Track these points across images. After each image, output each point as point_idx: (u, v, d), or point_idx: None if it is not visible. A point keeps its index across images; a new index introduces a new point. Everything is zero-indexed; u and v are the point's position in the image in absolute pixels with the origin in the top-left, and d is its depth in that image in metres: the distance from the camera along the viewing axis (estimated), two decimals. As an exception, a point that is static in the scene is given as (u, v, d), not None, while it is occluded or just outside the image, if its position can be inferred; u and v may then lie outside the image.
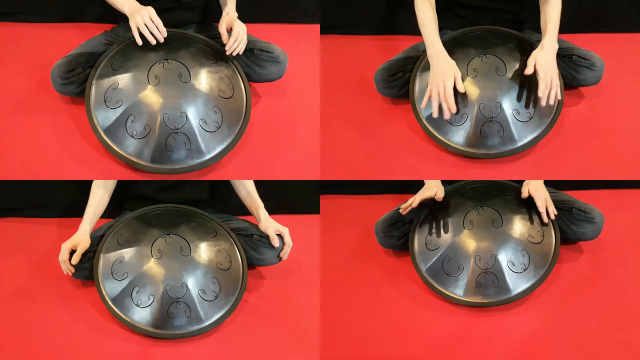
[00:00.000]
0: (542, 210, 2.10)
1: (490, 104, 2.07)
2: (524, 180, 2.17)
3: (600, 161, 2.11)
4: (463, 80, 2.07)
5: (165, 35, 2.01)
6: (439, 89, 2.01)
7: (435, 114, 2.03)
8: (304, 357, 1.95)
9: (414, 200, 2.16)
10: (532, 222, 2.12)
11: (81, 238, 2.04)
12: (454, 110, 2.01)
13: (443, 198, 2.18)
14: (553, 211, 2.11)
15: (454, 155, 2.11)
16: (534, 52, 2.03)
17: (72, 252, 2.02)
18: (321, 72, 2.34)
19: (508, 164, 2.10)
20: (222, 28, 2.08)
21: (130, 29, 2.00)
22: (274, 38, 2.24)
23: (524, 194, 2.13)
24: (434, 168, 2.11)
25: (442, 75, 2.01)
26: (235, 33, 2.07)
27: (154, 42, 2.00)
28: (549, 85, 1.99)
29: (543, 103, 2.00)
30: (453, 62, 2.04)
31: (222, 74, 2.07)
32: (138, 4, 2.03)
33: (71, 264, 2.02)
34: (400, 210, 2.18)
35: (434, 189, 2.16)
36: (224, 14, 2.13)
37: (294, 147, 2.15)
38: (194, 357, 1.95)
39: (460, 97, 2.05)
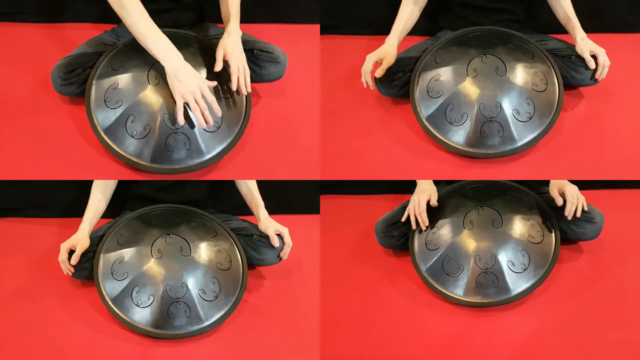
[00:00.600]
0: (570, 208, 2.08)
1: (490, 104, 2.07)
2: (529, 182, 2.17)
3: (600, 161, 2.12)
4: (463, 80, 2.08)
5: (220, 114, 1.89)
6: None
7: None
8: (304, 357, 1.95)
9: (420, 215, 2.16)
10: (532, 222, 2.12)
11: (80, 238, 2.04)
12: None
13: (443, 198, 2.18)
14: (579, 207, 2.10)
15: (454, 155, 2.12)
16: (579, 46, 2.12)
17: (71, 252, 2.02)
18: (321, 72, 2.34)
19: (508, 164, 2.10)
20: (219, 54, 1.98)
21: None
22: (274, 38, 2.24)
23: (558, 200, 2.10)
24: (434, 168, 2.11)
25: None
26: (234, 69, 1.97)
27: (204, 125, 1.87)
28: (605, 64, 2.11)
29: (600, 75, 2.12)
30: (393, 50, 2.13)
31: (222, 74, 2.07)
32: (184, 62, 1.86)
33: (70, 264, 2.02)
34: (420, 223, 2.18)
35: (428, 192, 2.17)
36: (225, 32, 2.03)
37: (294, 147, 2.15)
38: (194, 357, 1.95)
39: (463, 97, 2.06)
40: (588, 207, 2.17)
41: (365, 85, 2.12)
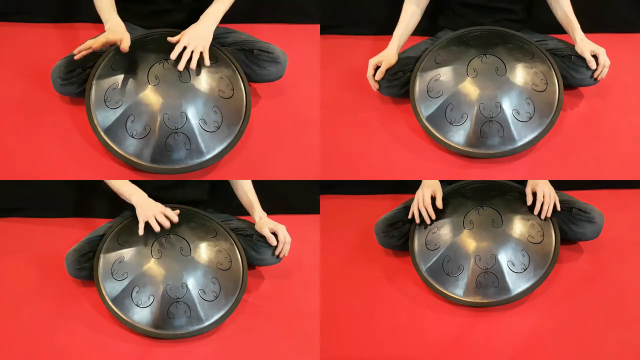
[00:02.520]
0: (537, 205, 2.11)
1: (490, 104, 2.07)
2: (525, 181, 2.17)
3: (600, 161, 2.12)
4: (463, 80, 2.08)
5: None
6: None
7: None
8: (304, 357, 1.95)
9: (426, 203, 2.16)
10: (532, 222, 2.12)
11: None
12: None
13: (443, 198, 2.18)
14: (551, 206, 2.11)
15: (454, 155, 2.11)
16: (579, 46, 2.12)
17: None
18: (321, 72, 2.34)
19: (508, 164, 2.10)
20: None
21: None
22: (274, 38, 2.24)
23: (528, 199, 2.13)
24: (434, 168, 2.11)
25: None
26: (179, 45, 1.99)
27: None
28: (606, 64, 2.12)
29: (600, 75, 2.13)
30: (393, 52, 2.15)
31: (222, 74, 2.07)
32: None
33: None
34: (424, 217, 2.18)
35: (432, 187, 2.17)
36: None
37: (294, 147, 2.15)
38: (194, 357, 1.95)
39: (463, 97, 2.07)
40: (588, 207, 2.17)
41: (375, 89, 2.19)
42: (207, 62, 2.01)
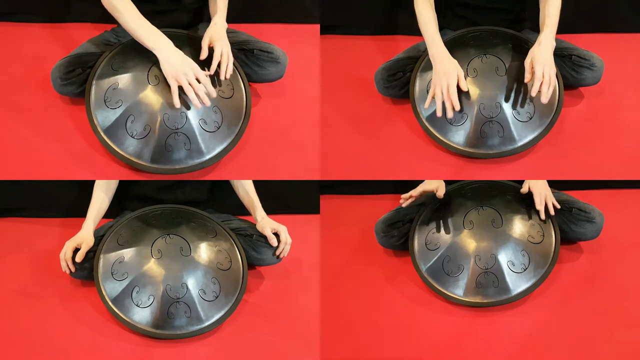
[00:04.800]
0: (539, 207, 2.10)
1: (490, 104, 2.07)
2: (524, 181, 2.17)
3: (600, 161, 2.12)
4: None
5: (214, 95, 1.95)
6: (442, 88, 2.01)
7: (440, 113, 2.03)
8: (304, 357, 1.95)
9: (415, 190, 2.15)
10: (532, 222, 2.12)
11: (85, 237, 2.04)
12: (458, 107, 2.01)
13: (443, 197, 2.18)
14: (552, 207, 2.11)
15: (454, 155, 2.12)
16: (531, 50, 2.02)
17: (76, 250, 2.02)
18: (321, 72, 2.34)
19: (508, 164, 2.10)
20: (205, 42, 2.01)
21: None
22: (274, 38, 2.24)
23: (524, 189, 2.13)
24: (434, 168, 2.11)
25: (446, 75, 2.02)
26: (217, 54, 1.99)
27: (199, 105, 1.93)
28: (543, 80, 1.95)
29: (544, 100, 1.96)
30: (455, 62, 2.04)
31: (222, 74, 2.07)
32: (176, 50, 1.93)
33: (73, 263, 2.02)
34: (400, 201, 2.17)
35: (434, 184, 2.16)
36: (211, 23, 2.06)
37: (294, 147, 2.15)
38: (194, 357, 1.95)
39: (463, 96, 2.05)
40: (588, 207, 2.17)
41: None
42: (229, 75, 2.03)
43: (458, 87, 2.02)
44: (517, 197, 2.17)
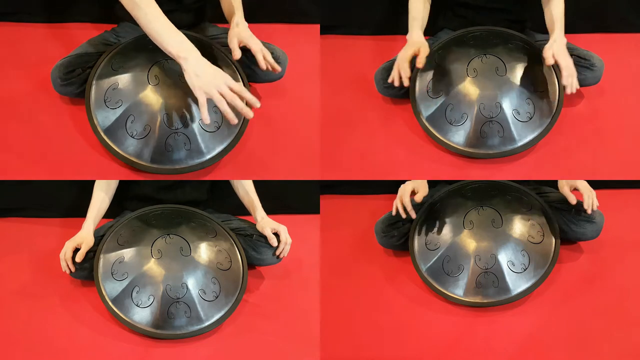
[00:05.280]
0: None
1: (490, 104, 2.07)
2: (525, 181, 2.17)
3: (600, 161, 2.12)
4: (463, 80, 2.08)
5: (258, 105, 1.79)
6: (399, 58, 2.07)
7: (391, 80, 2.09)
8: (304, 357, 1.95)
9: (405, 203, 2.14)
10: (532, 222, 2.12)
11: (85, 237, 2.04)
12: (406, 78, 2.04)
13: (443, 198, 2.19)
14: (594, 197, 2.11)
15: (454, 155, 2.12)
16: (547, 46, 2.03)
17: (76, 250, 2.02)
18: (321, 72, 2.34)
19: (508, 164, 2.10)
20: (234, 43, 2.00)
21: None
22: (274, 38, 2.24)
23: (571, 198, 2.11)
24: (434, 168, 2.11)
25: (405, 49, 2.08)
26: (257, 49, 2.00)
27: (234, 121, 1.78)
28: (572, 72, 2.02)
29: (568, 91, 2.02)
30: (423, 41, 2.10)
31: (222, 74, 2.07)
32: (204, 61, 1.78)
33: (73, 263, 2.02)
34: (401, 213, 2.17)
35: (413, 184, 2.15)
36: (232, 24, 2.05)
37: (294, 147, 2.15)
38: (194, 357, 1.95)
39: (463, 95, 2.06)
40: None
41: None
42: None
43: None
44: (517, 197, 2.17)
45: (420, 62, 2.06)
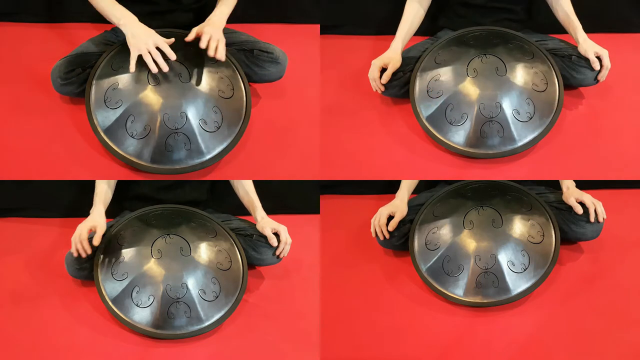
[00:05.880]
0: (592, 213, 2.12)
1: (490, 104, 2.07)
2: (524, 181, 2.16)
3: (600, 161, 2.12)
4: (463, 80, 2.08)
5: (174, 57, 1.98)
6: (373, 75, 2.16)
7: (374, 88, 2.17)
8: (304, 357, 1.95)
9: (381, 224, 2.18)
10: (532, 222, 2.12)
11: (98, 220, 2.03)
12: (380, 89, 2.16)
13: (443, 198, 2.18)
14: (601, 208, 2.14)
15: (454, 155, 2.12)
16: (585, 46, 2.12)
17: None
18: (321, 72, 2.34)
19: (508, 164, 2.10)
20: (195, 29, 2.04)
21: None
22: (274, 38, 2.24)
23: (577, 209, 2.13)
24: (434, 168, 2.11)
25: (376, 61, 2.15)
26: (205, 37, 2.00)
27: (155, 70, 1.97)
28: (608, 66, 2.13)
29: (602, 77, 2.15)
30: (395, 55, 2.16)
31: (222, 74, 2.07)
32: (141, 26, 2.00)
33: (90, 245, 1.99)
34: (378, 235, 2.19)
35: (390, 208, 2.19)
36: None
37: (294, 147, 2.15)
38: (194, 357, 1.95)
39: (464, 95, 2.06)
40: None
41: (375, 90, 2.17)
42: (223, 57, 2.03)
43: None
44: (517, 197, 2.17)
45: (384, 78, 2.14)
